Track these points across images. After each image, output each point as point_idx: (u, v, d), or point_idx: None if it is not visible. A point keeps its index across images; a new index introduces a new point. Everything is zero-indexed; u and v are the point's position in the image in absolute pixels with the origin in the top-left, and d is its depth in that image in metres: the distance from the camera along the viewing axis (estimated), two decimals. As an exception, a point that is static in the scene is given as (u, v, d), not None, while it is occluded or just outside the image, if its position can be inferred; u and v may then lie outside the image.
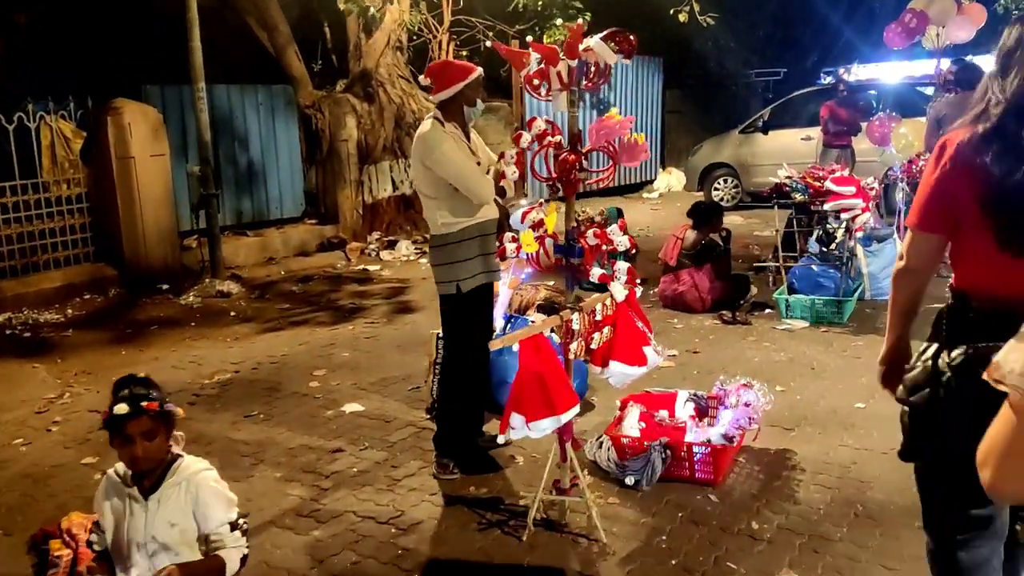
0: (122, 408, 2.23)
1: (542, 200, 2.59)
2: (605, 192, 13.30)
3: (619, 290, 2.72)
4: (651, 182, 14.62)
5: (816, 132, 10.58)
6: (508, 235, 2.65)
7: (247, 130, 8.87)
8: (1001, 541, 1.81)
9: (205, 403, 4.55)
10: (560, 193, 2.55)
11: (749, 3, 15.38)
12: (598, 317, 2.84)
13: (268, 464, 3.67)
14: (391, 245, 9.32)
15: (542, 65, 2.43)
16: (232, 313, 6.71)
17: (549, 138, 2.58)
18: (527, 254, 2.59)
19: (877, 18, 17.16)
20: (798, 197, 5.97)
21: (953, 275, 1.80)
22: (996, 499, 1.20)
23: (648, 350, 3.02)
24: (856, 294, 5.85)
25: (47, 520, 2.79)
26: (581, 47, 2.51)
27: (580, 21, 9.99)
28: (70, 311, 6.75)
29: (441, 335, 4.18)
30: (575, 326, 2.69)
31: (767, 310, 6.01)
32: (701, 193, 12.08)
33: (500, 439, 2.44)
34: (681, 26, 10.09)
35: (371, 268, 8.41)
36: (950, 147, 1.71)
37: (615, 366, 2.93)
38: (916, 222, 1.81)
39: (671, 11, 9.44)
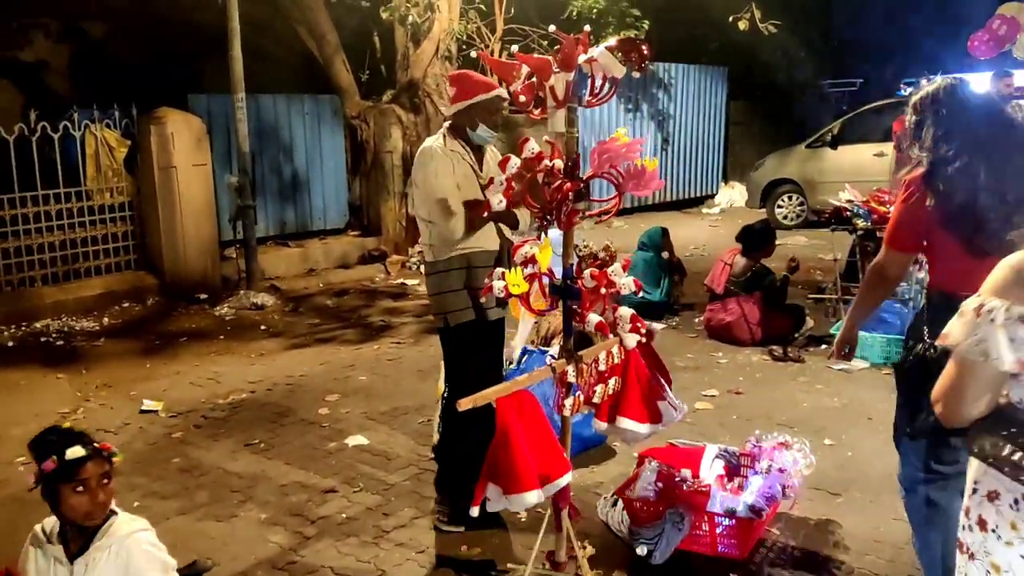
0: (77, 451, 2.00)
1: (537, 233, 2.25)
2: (661, 207, 12.81)
3: (625, 320, 2.35)
4: (712, 196, 14.04)
5: (890, 148, 9.86)
6: (497, 271, 2.31)
7: (292, 140, 8.81)
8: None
9: (211, 427, 4.37)
10: (553, 226, 2.20)
11: (823, 10, 14.62)
12: (602, 367, 2.47)
13: (256, 503, 3.43)
14: (434, 259, 9.09)
15: (533, 79, 2.10)
16: (263, 327, 6.58)
17: (546, 162, 2.24)
18: (516, 296, 2.26)
19: (964, 25, 16.11)
20: (860, 223, 5.41)
21: (929, 277, 2.34)
22: (946, 424, 1.49)
23: (664, 405, 2.63)
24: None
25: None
26: (583, 58, 2.17)
27: (623, 33, 9.60)
28: (107, 319, 6.75)
29: (449, 368, 3.88)
30: (571, 379, 2.33)
31: (823, 345, 5.48)
32: (764, 210, 11.46)
33: (473, 512, 2.11)
34: (748, 35, 9.57)
35: (409, 283, 8.20)
36: (912, 185, 2.28)
37: (624, 423, 2.56)
38: (893, 243, 2.36)
39: (730, 18, 8.93)
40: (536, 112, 2.21)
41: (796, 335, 5.61)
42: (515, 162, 2.15)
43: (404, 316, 6.82)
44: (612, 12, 9.84)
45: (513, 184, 2.22)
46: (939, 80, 2.34)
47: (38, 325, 6.46)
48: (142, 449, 4.05)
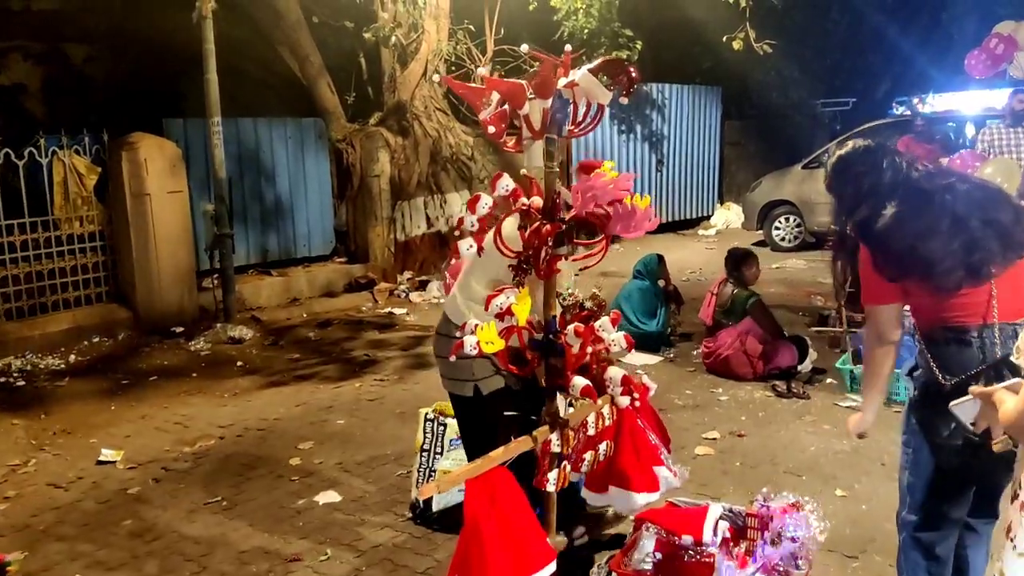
0: None
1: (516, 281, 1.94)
2: (656, 229, 12.53)
3: (616, 383, 2.04)
4: (708, 218, 13.79)
5: (889, 169, 9.62)
6: (470, 323, 2.01)
7: (275, 165, 8.52)
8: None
9: (171, 480, 4.02)
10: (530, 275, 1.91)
11: (816, 30, 14.47)
12: (591, 431, 2.16)
13: (211, 574, 3.08)
14: (422, 286, 8.79)
15: (504, 106, 1.81)
16: (239, 363, 6.25)
17: (523, 201, 1.94)
18: (489, 354, 1.96)
19: (955, 44, 15.97)
20: (866, 251, 5.13)
21: (916, 320, 2.27)
22: None
23: (661, 471, 2.33)
24: (936, 367, 4.94)
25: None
26: (563, 82, 1.88)
27: (613, 54, 9.38)
28: (74, 357, 6.40)
29: (429, 415, 3.57)
30: (555, 449, 2.02)
31: (829, 380, 5.17)
32: (761, 232, 11.22)
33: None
34: (742, 54, 9.37)
35: (396, 312, 7.88)
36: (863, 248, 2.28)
37: (617, 493, 2.25)
38: (872, 299, 2.29)
39: (724, 38, 8.72)
40: (510, 144, 1.91)
41: (799, 368, 5.30)
42: (486, 201, 1.86)
43: (389, 349, 6.50)
44: (604, 32, 9.65)
45: (486, 226, 1.92)
46: (830, 154, 2.38)
47: (-1, 364, 6.12)
48: (92, 509, 3.71)
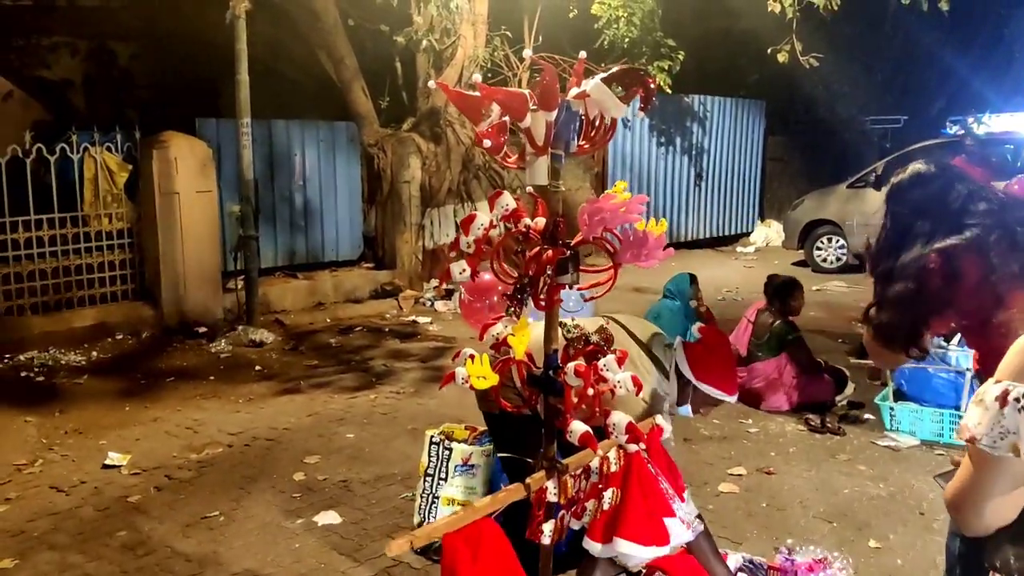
0: None
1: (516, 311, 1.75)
2: (694, 244, 12.25)
3: (620, 430, 1.83)
4: (747, 235, 13.43)
5: (940, 191, 9.20)
6: (464, 352, 1.83)
7: (306, 167, 8.47)
8: None
9: (172, 490, 3.92)
10: (529, 306, 1.71)
11: (867, 44, 14.00)
12: (594, 478, 1.95)
13: (197, 596, 2.95)
14: (448, 295, 8.64)
15: (505, 118, 1.63)
16: (257, 367, 6.17)
17: (526, 221, 1.75)
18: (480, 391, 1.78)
19: (1016, 63, 15.34)
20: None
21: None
22: (965, 532, 1.31)
23: (672, 523, 2.11)
24: (985, 405, 4.59)
25: None
26: (572, 93, 1.69)
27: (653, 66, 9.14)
28: (95, 353, 6.39)
29: (435, 439, 3.39)
30: (552, 498, 1.82)
31: (867, 416, 4.87)
32: (802, 251, 10.84)
33: None
34: (788, 67, 9.05)
35: (420, 320, 7.74)
36: None
37: (622, 546, 2.04)
38: None
39: (768, 50, 8.41)
40: (511, 160, 1.73)
41: (837, 401, 5.01)
42: (482, 221, 1.67)
43: (409, 360, 6.35)
44: (646, 42, 9.41)
45: (483, 248, 1.74)
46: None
47: (23, 358, 6.11)
48: (90, 517, 3.61)
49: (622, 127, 10.82)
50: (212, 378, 5.88)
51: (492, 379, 1.72)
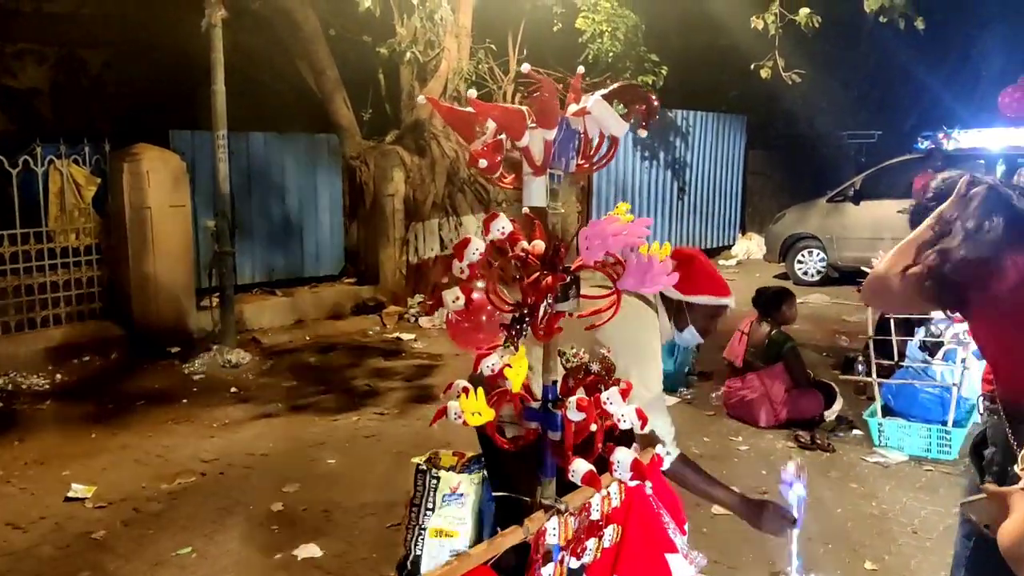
0: None
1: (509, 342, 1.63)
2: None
3: (624, 468, 1.71)
4: (729, 247, 13.45)
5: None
6: (457, 384, 1.70)
7: (285, 181, 8.31)
8: None
9: (141, 523, 3.72)
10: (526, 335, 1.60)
11: (844, 61, 14.17)
12: (595, 515, 1.83)
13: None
14: (433, 310, 8.50)
15: (501, 136, 1.52)
16: (233, 388, 5.96)
17: (523, 245, 1.63)
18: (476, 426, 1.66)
19: (983, 81, 15.62)
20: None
21: (998, 388, 1.89)
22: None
23: (675, 559, 1.99)
24: (969, 421, 4.55)
25: None
26: (572, 110, 1.58)
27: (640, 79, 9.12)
28: (60, 376, 6.14)
29: (422, 466, 3.24)
30: (551, 539, 1.69)
31: (854, 431, 4.80)
32: (783, 264, 10.85)
33: None
34: (768, 83, 9.08)
35: (405, 337, 7.58)
36: None
37: (623, 586, 1.91)
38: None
39: (752, 66, 8.42)
40: (507, 180, 1.61)
41: (824, 416, 4.94)
42: (477, 246, 1.55)
43: (393, 379, 6.19)
44: (630, 57, 9.39)
45: (477, 273, 1.61)
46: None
47: (-18, 382, 5.87)
48: (49, 556, 3.40)
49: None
50: (185, 401, 5.67)
51: (488, 415, 1.59)
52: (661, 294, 2.40)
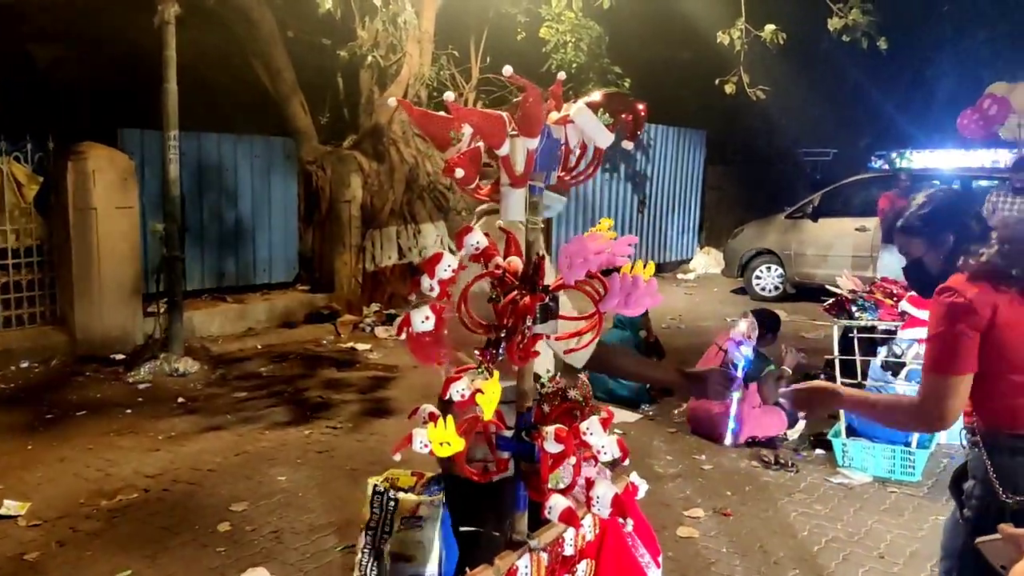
0: None
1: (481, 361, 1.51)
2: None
3: (605, 504, 1.60)
4: (687, 261, 13.54)
5: (872, 222, 9.44)
6: (423, 410, 1.58)
7: (238, 184, 8.06)
8: None
9: (78, 544, 3.49)
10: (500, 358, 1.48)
11: (801, 79, 14.44)
12: (568, 551, 1.72)
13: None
14: (389, 320, 8.31)
15: (478, 143, 1.41)
16: (180, 399, 5.71)
17: (498, 260, 1.52)
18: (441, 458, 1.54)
19: (936, 102, 16.09)
20: (865, 319, 4.77)
21: (978, 422, 1.89)
22: None
23: (650, 592, 1.89)
24: (932, 442, 4.58)
25: None
26: (553, 117, 1.48)
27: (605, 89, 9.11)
28: (-4, 384, 5.82)
29: (379, 487, 3.09)
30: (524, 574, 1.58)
31: (818, 451, 4.79)
32: (741, 279, 10.94)
33: None
34: (728, 99, 9.16)
35: (359, 347, 7.39)
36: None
37: (595, 622, 1.80)
38: (955, 367, 1.83)
39: (716, 80, 8.47)
40: (483, 191, 1.50)
41: (785, 437, 4.93)
42: (449, 262, 1.44)
43: (346, 391, 6.00)
44: (593, 68, 9.38)
45: (448, 291, 1.50)
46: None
47: (-90, 388, 5.52)
48: (-26, 580, 3.17)
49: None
50: (129, 412, 5.40)
51: (457, 445, 1.47)
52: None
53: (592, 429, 1.50)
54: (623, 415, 5.35)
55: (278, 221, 8.38)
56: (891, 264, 8.27)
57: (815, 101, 15.45)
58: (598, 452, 1.50)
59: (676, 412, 5.43)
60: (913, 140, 15.25)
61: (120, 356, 6.50)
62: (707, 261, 13.37)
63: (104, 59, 9.51)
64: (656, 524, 3.67)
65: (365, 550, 3.06)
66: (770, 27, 7.76)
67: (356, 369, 6.69)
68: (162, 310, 6.84)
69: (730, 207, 14.16)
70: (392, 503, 3.02)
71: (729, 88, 8.37)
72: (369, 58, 7.47)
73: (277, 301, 8.12)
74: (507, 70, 1.49)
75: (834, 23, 7.58)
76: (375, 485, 3.11)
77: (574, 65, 8.87)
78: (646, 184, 12.41)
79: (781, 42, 7.80)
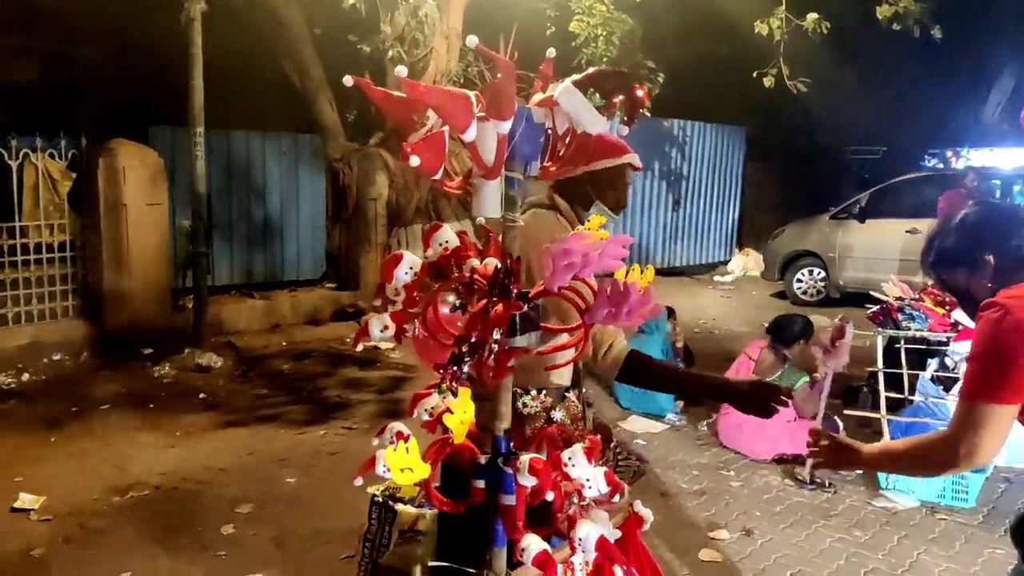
0: None
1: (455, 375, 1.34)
2: (669, 272, 11.93)
3: (588, 547, 1.42)
4: (724, 263, 13.16)
5: (925, 224, 8.97)
6: (391, 428, 1.42)
7: (266, 181, 8.05)
8: None
9: (83, 542, 3.44)
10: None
11: (847, 72, 13.93)
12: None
13: None
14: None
15: (443, 128, 1.24)
16: (201, 395, 5.69)
17: (473, 263, 1.36)
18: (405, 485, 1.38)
19: (994, 97, 15.38)
20: (913, 329, 4.45)
21: None
22: None
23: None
24: (991, 466, 4.22)
25: None
26: (534, 100, 1.30)
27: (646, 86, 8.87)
28: (28, 376, 5.88)
29: (378, 498, 2.95)
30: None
31: (858, 470, 4.49)
32: (781, 282, 10.56)
33: None
34: (769, 94, 8.82)
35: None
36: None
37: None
38: (1000, 395, 1.59)
39: (754, 73, 8.14)
40: (452, 183, 1.34)
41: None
42: (410, 263, 1.27)
43: (365, 391, 5.91)
44: (625, 63, 9.11)
45: (415, 296, 1.34)
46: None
47: (-52, 381, 5.59)
48: (-22, 577, 3.13)
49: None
50: (151, 406, 5.40)
51: (421, 471, 1.31)
52: (557, 181, 2.02)
53: (575, 460, 1.32)
54: (647, 425, 5.14)
55: (306, 218, 8.35)
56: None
57: (862, 95, 14.88)
58: (582, 486, 1.32)
59: (704, 424, 5.17)
60: (969, 138, 14.60)
61: (148, 350, 6.52)
62: (745, 263, 12.98)
63: (142, 58, 9.63)
64: (677, 546, 3.48)
65: (363, 564, 2.92)
66: (812, 15, 7.39)
67: (377, 368, 6.60)
68: (190, 305, 6.88)
69: (771, 206, 13.72)
70: (391, 515, 2.87)
71: (768, 81, 8.03)
72: (391, 53, 7.34)
73: (303, 298, 8.08)
74: (471, 40, 1.32)
75: (883, 11, 7.17)
76: (374, 495, 2.97)
77: (605, 59, 8.63)
78: (681, 182, 12.09)
79: (825, 31, 7.42)
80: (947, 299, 4.47)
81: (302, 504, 3.87)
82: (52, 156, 6.39)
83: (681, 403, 5.48)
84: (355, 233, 8.34)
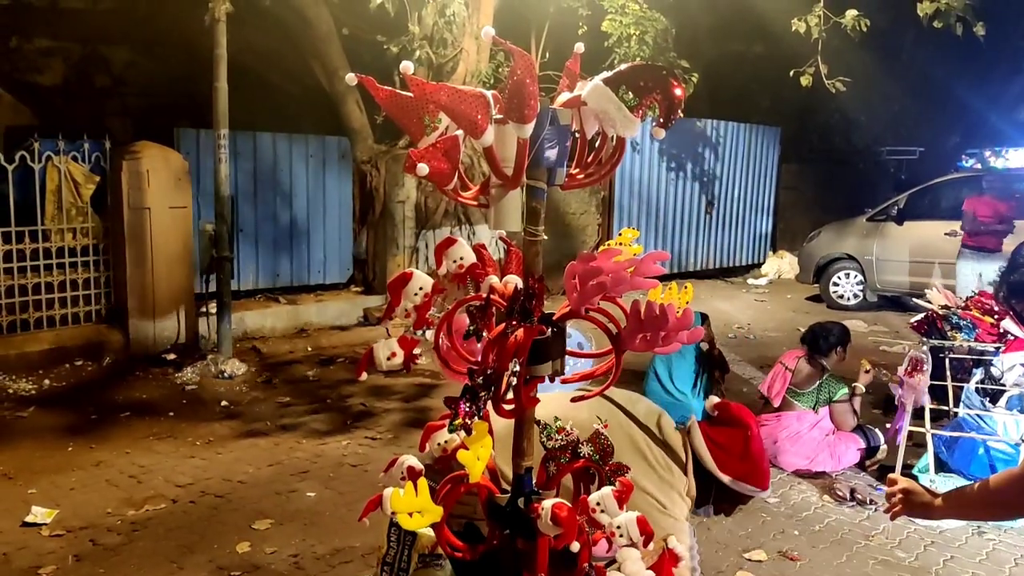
0: None
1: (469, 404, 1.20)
2: (702, 274, 11.68)
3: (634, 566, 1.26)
4: (759, 266, 12.86)
5: (964, 226, 8.65)
6: (402, 463, 1.28)
7: (293, 184, 7.97)
8: None
9: (94, 560, 3.35)
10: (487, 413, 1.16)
11: (883, 72, 13.53)
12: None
13: None
14: (442, 324, 8.08)
15: (457, 132, 1.09)
16: (223, 402, 5.61)
17: (493, 281, 1.21)
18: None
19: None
20: (959, 339, 4.21)
21: None
22: None
23: None
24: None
25: None
26: (559, 101, 1.15)
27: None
28: (48, 382, 5.85)
29: (396, 519, 2.81)
30: None
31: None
32: (817, 286, 10.26)
33: None
34: (803, 94, 8.55)
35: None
36: None
37: None
38: None
39: (791, 72, 7.89)
40: (468, 194, 1.19)
41: (867, 466, 4.42)
42: (420, 283, 1.13)
43: (390, 399, 5.78)
44: (658, 62, 8.92)
45: (428, 318, 1.19)
46: None
47: (-31, 385, 5.58)
48: (-16, 596, 3.05)
49: (630, 149, 10.30)
50: (172, 414, 5.33)
51: (432, 514, 1.17)
52: (694, 456, 1.92)
53: (605, 504, 1.17)
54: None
55: (333, 221, 8.27)
56: (969, 278, 7.52)
57: (900, 95, 14.47)
58: (612, 533, 1.17)
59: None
60: (1009, 137, 14.12)
61: (171, 356, 6.47)
62: (780, 266, 12.67)
63: (171, 60, 9.66)
64: (710, 568, 3.29)
65: (382, 589, 2.78)
66: (852, 13, 7.12)
67: (403, 375, 6.46)
68: (213, 310, 6.82)
69: (806, 208, 13.39)
70: (410, 537, 2.72)
71: (805, 80, 7.78)
72: (418, 53, 7.23)
73: (330, 302, 8.01)
74: (487, 32, 1.17)
75: (924, 7, 6.89)
76: (393, 515, 2.83)
77: (638, 59, 8.44)
78: (715, 184, 11.83)
79: (864, 29, 7.16)
80: (995, 308, 4.21)
81: (322, 520, 3.74)
82: (75, 159, 6.36)
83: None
84: (382, 236, 8.25)
